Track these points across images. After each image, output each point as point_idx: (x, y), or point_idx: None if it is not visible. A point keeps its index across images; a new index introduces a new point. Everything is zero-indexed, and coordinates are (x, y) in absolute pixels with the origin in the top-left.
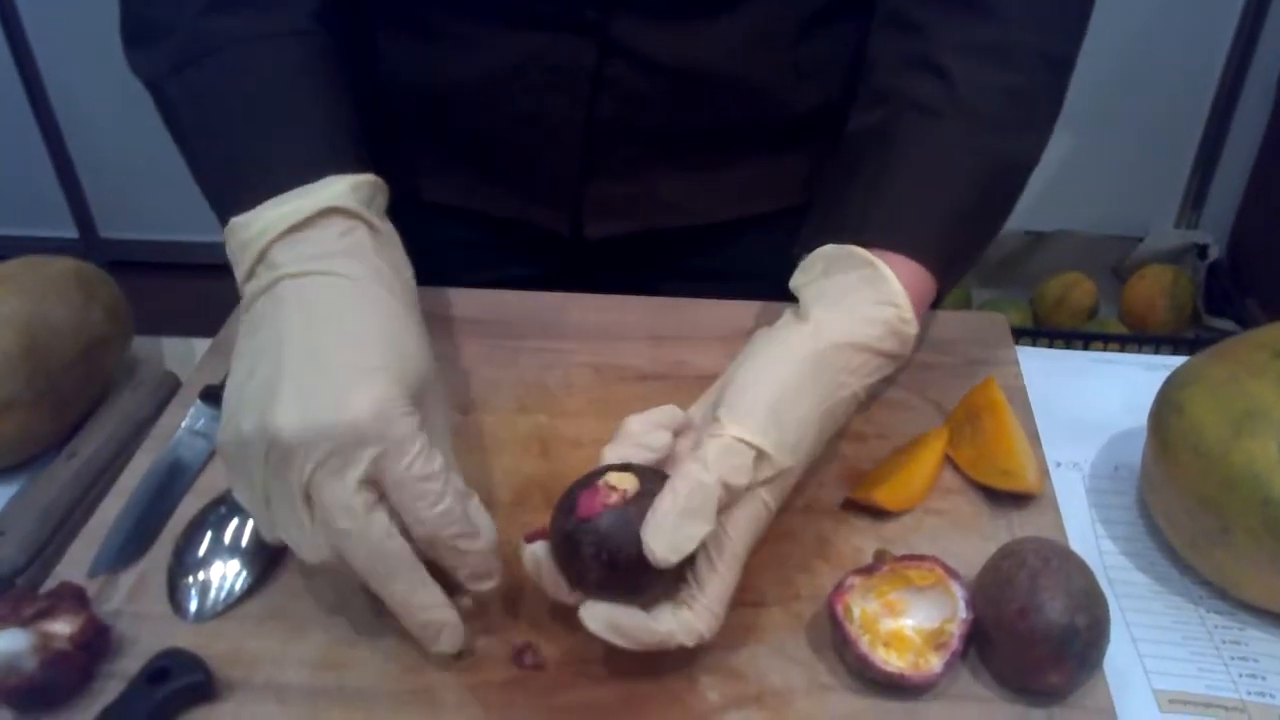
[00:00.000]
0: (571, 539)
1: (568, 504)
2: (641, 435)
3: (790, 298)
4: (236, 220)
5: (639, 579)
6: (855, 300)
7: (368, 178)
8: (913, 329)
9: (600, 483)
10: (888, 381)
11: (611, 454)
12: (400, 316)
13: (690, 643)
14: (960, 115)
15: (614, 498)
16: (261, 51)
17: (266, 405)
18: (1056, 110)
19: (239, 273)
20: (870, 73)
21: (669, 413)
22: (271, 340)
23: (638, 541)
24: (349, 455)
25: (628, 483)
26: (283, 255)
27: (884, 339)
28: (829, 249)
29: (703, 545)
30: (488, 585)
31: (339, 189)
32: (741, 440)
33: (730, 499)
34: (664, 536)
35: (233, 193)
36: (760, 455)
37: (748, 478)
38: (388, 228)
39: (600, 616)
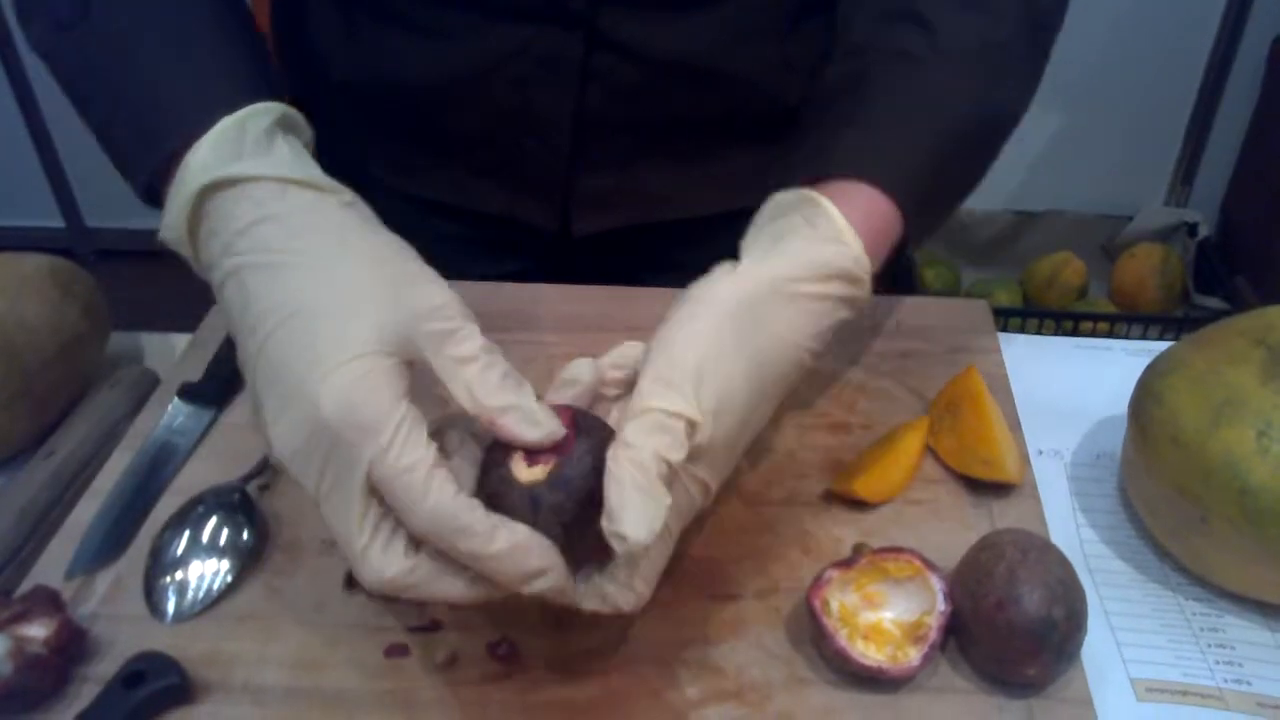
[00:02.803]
0: (501, 499)
1: (495, 467)
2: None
3: None
4: (162, 234)
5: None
6: (792, 242)
7: (226, 122)
8: (859, 267)
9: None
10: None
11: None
12: (341, 257)
13: (609, 612)
14: (940, 61)
15: (539, 466)
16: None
17: (268, 431)
18: (1042, 66)
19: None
20: (845, 29)
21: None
22: (244, 355)
23: (572, 505)
24: (343, 462)
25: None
26: (208, 242)
27: (825, 280)
28: (779, 195)
29: None
30: (539, 585)
31: (202, 157)
32: (666, 412)
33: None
34: (636, 519)
35: (137, 163)
36: (688, 425)
37: (682, 451)
38: (273, 162)
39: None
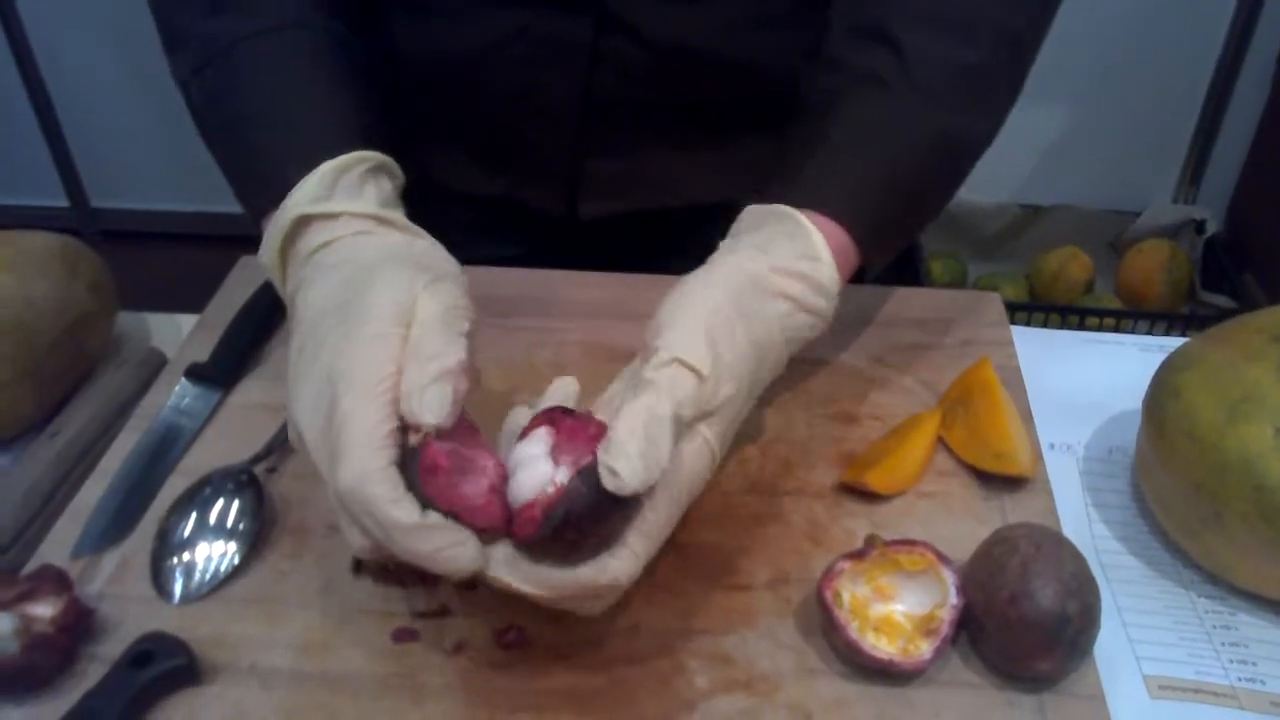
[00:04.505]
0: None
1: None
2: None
3: None
4: (264, 257)
5: (583, 546)
6: (777, 251)
7: (324, 169)
8: (832, 286)
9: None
10: (832, 348)
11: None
12: (380, 263)
13: (605, 583)
14: (907, 88)
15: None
16: (260, 48)
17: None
18: (1016, 89)
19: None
20: (829, 40)
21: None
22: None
23: (587, 512)
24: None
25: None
26: (292, 269)
27: (803, 291)
28: (754, 207)
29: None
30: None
31: (301, 195)
32: (682, 362)
33: (677, 432)
34: (631, 468)
35: (249, 197)
36: (701, 380)
37: (693, 408)
38: (360, 204)
39: (515, 565)
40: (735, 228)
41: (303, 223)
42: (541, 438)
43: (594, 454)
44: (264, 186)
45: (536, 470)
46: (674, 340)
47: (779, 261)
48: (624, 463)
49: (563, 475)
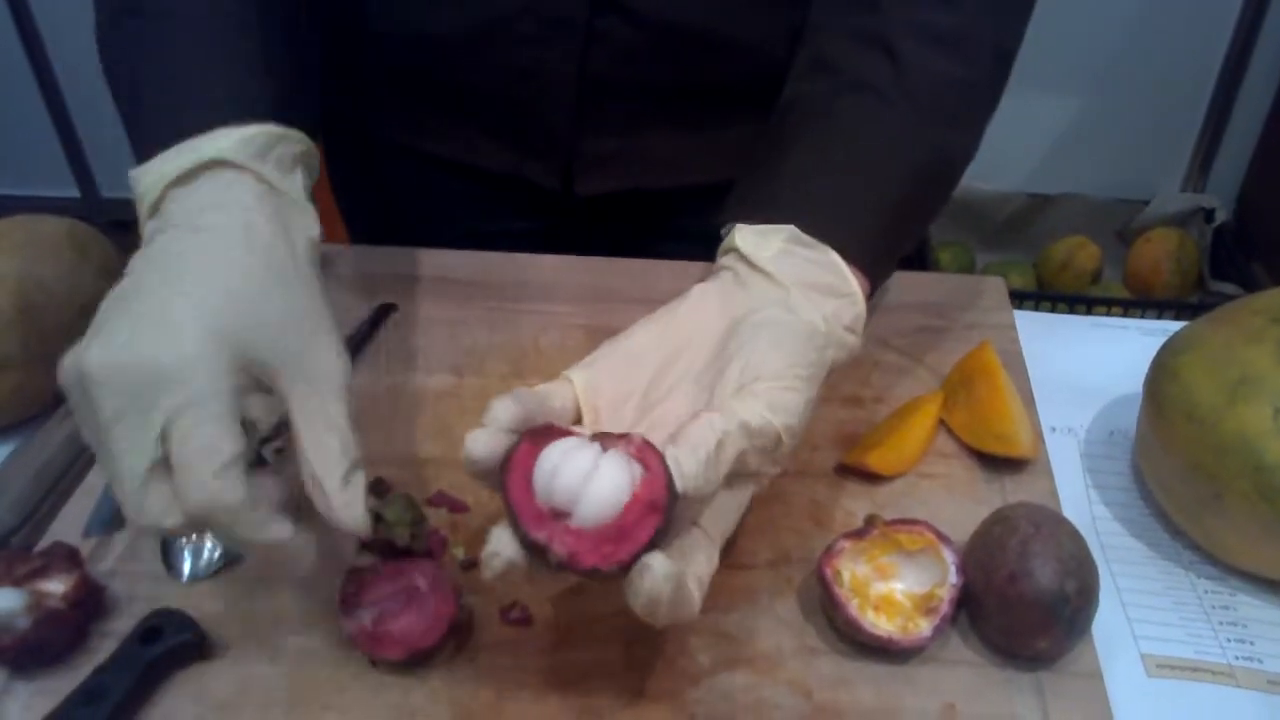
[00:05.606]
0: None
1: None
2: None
3: None
4: (133, 173)
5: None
6: (835, 319)
7: (266, 129)
8: (856, 349)
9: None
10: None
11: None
12: (256, 276)
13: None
14: (907, 103)
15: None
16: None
17: (83, 344)
18: (996, 103)
19: (141, 226)
20: (814, 37)
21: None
22: (121, 291)
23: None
24: (146, 400)
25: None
26: (168, 208)
27: (837, 358)
28: (793, 231)
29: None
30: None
31: (227, 142)
32: (777, 430)
33: (738, 474)
34: (695, 474)
35: (140, 138)
36: (779, 447)
37: (764, 466)
38: (288, 182)
39: (670, 573)
40: (766, 241)
41: (216, 165)
42: (586, 445)
43: (641, 445)
44: (175, 120)
45: (616, 474)
46: (781, 405)
47: (837, 333)
48: (690, 466)
49: (638, 471)
